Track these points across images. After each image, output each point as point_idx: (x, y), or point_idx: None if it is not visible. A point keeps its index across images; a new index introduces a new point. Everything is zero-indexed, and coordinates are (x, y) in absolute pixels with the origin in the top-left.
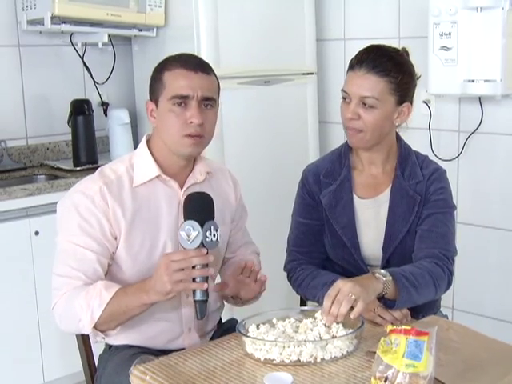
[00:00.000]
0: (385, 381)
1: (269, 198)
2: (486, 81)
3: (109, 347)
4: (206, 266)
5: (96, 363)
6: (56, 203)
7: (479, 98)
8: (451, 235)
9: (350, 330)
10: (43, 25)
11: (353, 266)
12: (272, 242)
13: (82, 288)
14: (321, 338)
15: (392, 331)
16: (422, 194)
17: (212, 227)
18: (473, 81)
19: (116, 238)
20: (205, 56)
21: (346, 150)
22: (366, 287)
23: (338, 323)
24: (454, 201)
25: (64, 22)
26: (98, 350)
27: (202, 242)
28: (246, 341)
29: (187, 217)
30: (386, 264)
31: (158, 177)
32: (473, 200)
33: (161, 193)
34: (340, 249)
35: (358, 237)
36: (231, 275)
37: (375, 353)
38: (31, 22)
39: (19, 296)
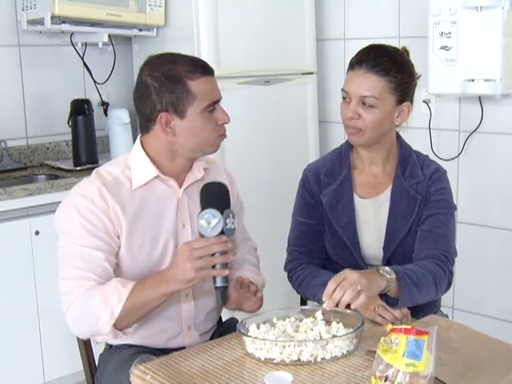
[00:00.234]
0: (385, 380)
1: (269, 197)
2: (485, 80)
3: (109, 347)
4: (225, 252)
5: (96, 363)
6: (56, 203)
7: (479, 98)
8: (452, 236)
9: (351, 330)
10: (43, 25)
11: (353, 266)
12: (272, 242)
13: (96, 288)
14: (321, 337)
15: (392, 330)
16: (423, 194)
17: (230, 215)
18: (473, 80)
19: (119, 237)
20: (205, 56)
21: (346, 150)
22: (371, 282)
23: (338, 322)
24: (454, 200)
25: (64, 22)
26: (98, 349)
27: (221, 230)
28: (246, 340)
29: (206, 205)
30: (387, 264)
31: (156, 177)
32: (473, 200)
33: (160, 192)
34: (340, 248)
35: (359, 236)
36: (233, 288)
37: (375, 352)
38: (31, 22)
39: (19, 296)
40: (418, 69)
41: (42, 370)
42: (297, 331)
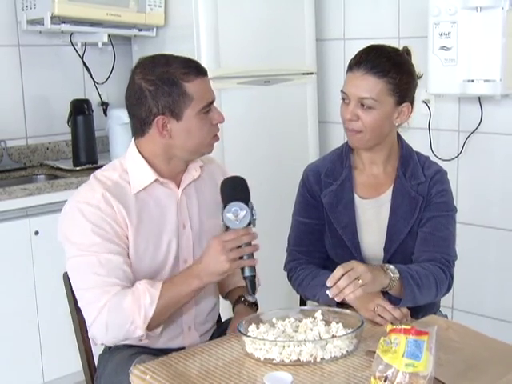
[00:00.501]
0: (384, 380)
1: (269, 197)
2: (485, 81)
3: (109, 347)
4: (249, 244)
5: (96, 363)
6: (56, 203)
7: (479, 98)
8: (453, 239)
9: (350, 330)
10: (43, 25)
11: None
12: (272, 242)
13: (124, 292)
14: (320, 337)
15: (392, 331)
16: (424, 195)
17: (253, 206)
18: (472, 81)
19: (127, 239)
20: (204, 56)
21: (346, 150)
22: (375, 277)
23: (337, 322)
24: (454, 201)
25: (64, 22)
26: (97, 350)
27: (249, 221)
28: (245, 340)
29: (230, 199)
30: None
31: (155, 180)
32: (472, 200)
33: (160, 195)
34: (340, 249)
35: (359, 237)
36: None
37: (375, 352)
38: (31, 22)
39: (19, 296)
40: (418, 69)
41: (41, 370)
42: (296, 331)
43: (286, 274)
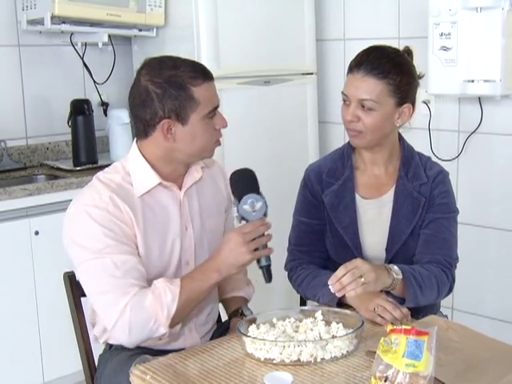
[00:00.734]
0: (385, 380)
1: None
2: (485, 81)
3: (109, 347)
4: (263, 234)
5: (96, 363)
6: (56, 203)
7: (479, 98)
8: (454, 241)
9: (350, 330)
10: (43, 25)
11: None
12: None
13: (143, 292)
14: (321, 337)
15: (392, 331)
16: (427, 196)
17: (265, 197)
18: (472, 81)
19: (136, 240)
20: (204, 56)
21: (348, 150)
22: (378, 277)
23: (337, 323)
24: (456, 202)
25: (64, 22)
26: (97, 350)
27: (264, 212)
28: (246, 340)
29: (245, 191)
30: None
31: (158, 184)
32: (472, 200)
33: (163, 198)
34: (341, 249)
35: (360, 237)
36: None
37: (375, 352)
38: (31, 22)
39: (19, 296)
40: (419, 69)
41: (41, 370)
42: (296, 331)
43: (286, 273)
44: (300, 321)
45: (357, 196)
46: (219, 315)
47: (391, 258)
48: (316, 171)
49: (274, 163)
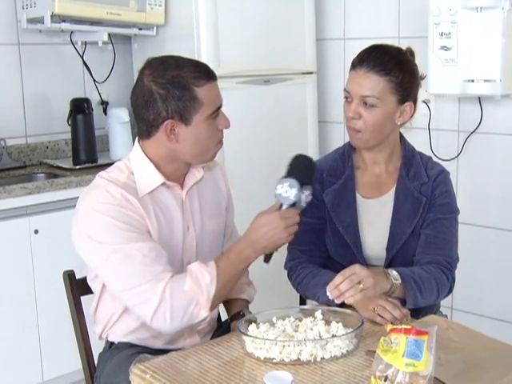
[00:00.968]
0: (385, 380)
1: (268, 196)
2: (485, 81)
3: (109, 346)
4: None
5: (95, 362)
6: (56, 202)
7: (479, 98)
8: (455, 241)
9: (350, 330)
10: (43, 23)
11: None
12: None
13: (180, 276)
14: (321, 337)
15: (392, 330)
16: (428, 196)
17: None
18: (472, 81)
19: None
20: (205, 55)
21: (349, 149)
22: (377, 282)
23: (337, 322)
24: (456, 202)
25: (64, 21)
26: (97, 348)
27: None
28: (245, 340)
29: (305, 179)
30: (389, 264)
31: (162, 183)
32: (472, 200)
33: (166, 197)
34: (342, 248)
35: (361, 236)
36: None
37: (375, 352)
38: (31, 21)
39: (19, 294)
40: (420, 69)
41: (40, 369)
42: (296, 331)
43: (285, 272)
44: (300, 320)
45: (357, 195)
46: (219, 315)
47: (392, 258)
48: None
49: (273, 162)
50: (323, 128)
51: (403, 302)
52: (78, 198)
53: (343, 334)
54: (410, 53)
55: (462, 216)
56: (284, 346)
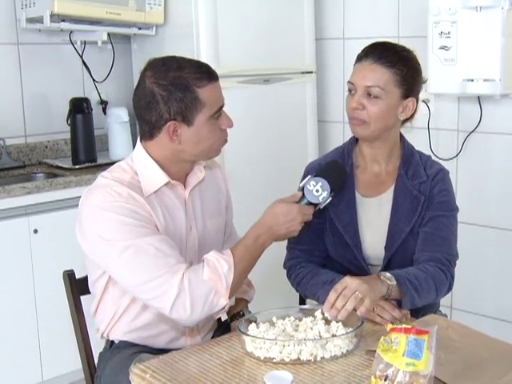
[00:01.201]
0: (385, 379)
1: (268, 196)
2: (485, 80)
3: (109, 346)
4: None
5: (95, 362)
6: (55, 201)
7: (478, 98)
8: (454, 239)
9: (350, 329)
10: (42, 23)
11: (354, 265)
12: None
13: (197, 266)
14: (321, 336)
15: (392, 330)
16: (426, 195)
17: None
18: (472, 80)
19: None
20: (204, 54)
21: (349, 148)
22: (372, 287)
23: (337, 321)
24: (456, 200)
25: (63, 20)
26: (97, 348)
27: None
28: (245, 339)
29: (333, 183)
30: (388, 263)
31: (165, 184)
32: (471, 199)
33: (170, 198)
34: (341, 247)
35: (360, 235)
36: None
37: (375, 351)
38: (30, 20)
39: (18, 294)
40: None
41: (40, 369)
42: (296, 330)
43: (285, 271)
44: (300, 320)
45: (357, 194)
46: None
47: (390, 257)
48: (316, 169)
49: (273, 162)
50: (322, 127)
51: (401, 304)
52: (77, 197)
53: (343, 334)
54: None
55: (462, 215)
56: (284, 346)
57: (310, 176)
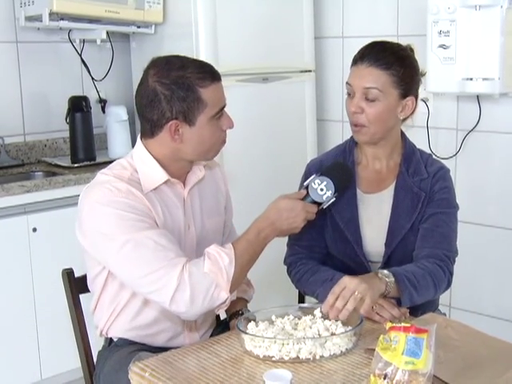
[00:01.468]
0: (384, 378)
1: (267, 195)
2: (484, 79)
3: (108, 344)
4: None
5: (94, 360)
6: (54, 200)
7: (477, 97)
8: (454, 236)
9: (349, 328)
10: (41, 21)
11: (354, 262)
12: None
13: (197, 260)
14: (320, 335)
15: (391, 328)
16: (427, 192)
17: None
18: (471, 79)
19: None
20: (203, 53)
21: (350, 146)
22: (371, 285)
23: (336, 321)
24: (456, 198)
25: (62, 19)
26: (96, 347)
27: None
28: (245, 338)
29: (338, 184)
30: (388, 260)
31: (164, 182)
32: (470, 198)
33: (169, 196)
34: (342, 243)
35: (361, 232)
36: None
37: (374, 350)
38: (29, 19)
39: (17, 293)
40: (420, 66)
41: (39, 367)
42: (295, 329)
43: (284, 270)
44: (299, 318)
45: (358, 191)
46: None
47: (390, 253)
48: (317, 166)
49: (272, 160)
50: (322, 126)
51: (400, 302)
52: (76, 196)
53: (342, 332)
54: (410, 49)
55: (460, 214)
56: (283, 344)
57: (315, 175)
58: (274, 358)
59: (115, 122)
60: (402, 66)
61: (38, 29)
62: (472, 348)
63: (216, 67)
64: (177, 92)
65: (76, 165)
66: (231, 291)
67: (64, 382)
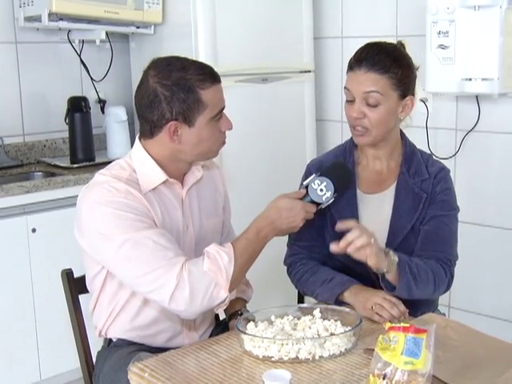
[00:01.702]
0: (383, 378)
1: (266, 195)
2: (483, 79)
3: (107, 344)
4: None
5: (94, 360)
6: (53, 200)
7: (476, 97)
8: (454, 238)
9: (349, 328)
10: (40, 22)
11: (354, 262)
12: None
13: (197, 259)
14: (319, 335)
15: (391, 329)
16: (428, 192)
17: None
18: (470, 79)
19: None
20: (202, 54)
21: (350, 146)
22: (380, 249)
23: (336, 320)
24: (456, 200)
25: (61, 19)
26: (95, 347)
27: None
28: (244, 338)
29: (337, 184)
30: None
31: (162, 182)
32: (469, 198)
33: (168, 197)
34: None
35: None
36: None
37: (373, 350)
38: (28, 19)
39: (16, 293)
40: (415, 61)
41: (38, 368)
42: (295, 329)
43: (284, 270)
44: (298, 318)
45: (358, 191)
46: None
47: None
48: (317, 166)
49: (271, 161)
50: (321, 126)
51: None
52: (75, 196)
53: (342, 333)
54: (401, 45)
55: (460, 214)
56: (282, 345)
57: (315, 175)
58: (273, 359)
59: (114, 123)
60: (399, 67)
61: (38, 29)
62: (471, 348)
63: (215, 68)
64: (177, 93)
65: (75, 165)
66: (230, 290)
67: (63, 382)
